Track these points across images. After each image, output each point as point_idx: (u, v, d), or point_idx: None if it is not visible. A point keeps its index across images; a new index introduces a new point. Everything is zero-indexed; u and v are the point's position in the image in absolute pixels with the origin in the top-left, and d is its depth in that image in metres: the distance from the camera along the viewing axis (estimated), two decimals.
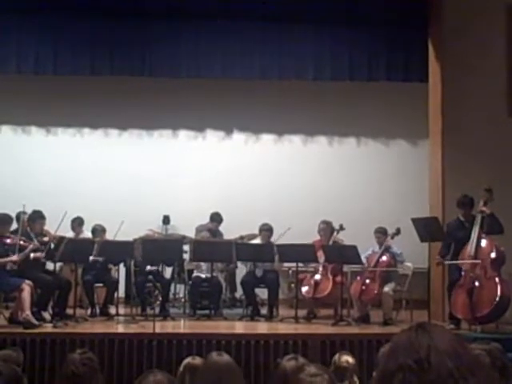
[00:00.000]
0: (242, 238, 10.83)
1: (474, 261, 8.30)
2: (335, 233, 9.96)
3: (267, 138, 12.46)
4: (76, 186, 11.72)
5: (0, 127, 12.19)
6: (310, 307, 9.70)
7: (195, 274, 10.18)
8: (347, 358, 4.94)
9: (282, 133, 12.44)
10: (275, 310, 9.77)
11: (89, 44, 10.55)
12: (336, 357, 5.03)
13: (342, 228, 9.91)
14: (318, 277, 9.70)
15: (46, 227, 9.35)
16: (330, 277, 9.64)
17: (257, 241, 10.24)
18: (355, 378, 4.84)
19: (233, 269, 10.71)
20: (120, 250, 9.48)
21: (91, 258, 9.38)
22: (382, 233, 9.58)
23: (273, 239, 9.96)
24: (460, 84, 9.77)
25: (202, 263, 10.09)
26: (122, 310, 9.81)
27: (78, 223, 10.59)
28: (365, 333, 8.34)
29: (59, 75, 10.85)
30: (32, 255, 8.64)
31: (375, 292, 9.24)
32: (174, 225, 11.42)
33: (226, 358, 3.99)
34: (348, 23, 10.56)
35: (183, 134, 12.43)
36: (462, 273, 8.45)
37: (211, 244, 10.12)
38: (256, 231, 10.32)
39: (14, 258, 8.49)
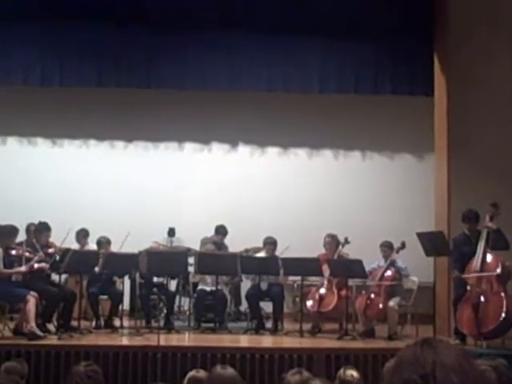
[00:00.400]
0: (246, 250, 10.81)
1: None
2: (340, 246, 9.91)
3: (272, 151, 12.47)
4: (81, 197, 11.73)
5: (6, 139, 12.22)
6: (314, 321, 9.65)
7: (200, 286, 10.17)
8: (352, 373, 4.93)
9: (288, 146, 12.45)
10: (280, 324, 9.75)
11: (95, 55, 10.57)
12: (341, 371, 5.01)
13: (347, 241, 9.87)
14: (322, 291, 9.67)
15: (51, 239, 9.36)
16: (335, 291, 9.61)
17: (262, 254, 10.22)
18: None
19: (238, 282, 10.68)
20: (125, 263, 9.48)
21: (96, 268, 9.39)
22: (387, 247, 9.55)
23: (277, 253, 9.94)
24: (466, 97, 9.77)
25: (207, 276, 10.08)
26: (126, 323, 9.80)
27: (82, 235, 10.59)
28: (370, 347, 8.31)
29: (65, 87, 10.88)
30: (36, 265, 8.65)
31: (380, 306, 9.21)
32: (179, 237, 11.40)
33: (230, 371, 3.99)
34: (353, 36, 10.55)
35: (189, 147, 12.44)
36: (468, 288, 8.42)
37: (216, 257, 10.10)
38: (261, 244, 10.31)
39: (23, 268, 8.51)
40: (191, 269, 10.18)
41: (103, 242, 10.00)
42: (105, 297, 9.85)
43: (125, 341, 8.84)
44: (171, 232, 11.32)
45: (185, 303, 10.82)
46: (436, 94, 10.18)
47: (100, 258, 9.42)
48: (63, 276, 9.51)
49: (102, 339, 8.63)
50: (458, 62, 9.84)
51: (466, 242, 8.74)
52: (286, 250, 9.69)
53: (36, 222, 9.43)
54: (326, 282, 9.67)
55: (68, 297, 8.98)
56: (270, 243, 10.05)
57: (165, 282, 10.04)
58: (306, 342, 8.70)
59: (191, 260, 10.10)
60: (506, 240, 8.34)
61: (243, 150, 12.48)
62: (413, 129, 11.58)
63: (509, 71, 9.83)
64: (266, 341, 9.09)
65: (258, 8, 10.46)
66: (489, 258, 8.33)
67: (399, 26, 10.53)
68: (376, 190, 12.17)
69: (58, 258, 8.97)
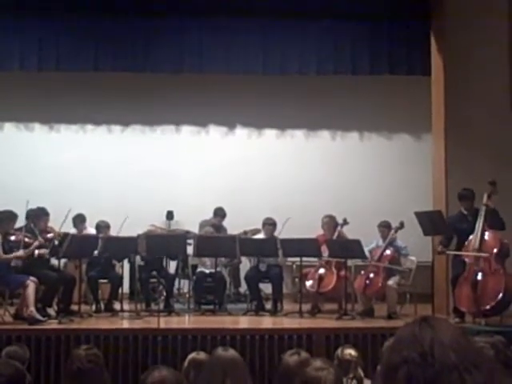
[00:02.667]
0: (245, 232, 10.83)
1: (478, 254, 8.26)
2: (339, 227, 9.94)
3: (270, 133, 12.45)
4: (79, 182, 11.72)
5: (3, 124, 12.19)
6: (314, 301, 9.68)
7: (199, 269, 10.20)
8: (350, 351, 4.96)
9: (285, 127, 12.43)
10: (279, 305, 9.77)
11: (91, 40, 10.54)
12: (339, 350, 5.05)
13: (345, 222, 9.90)
14: (322, 271, 9.69)
15: (50, 224, 9.36)
16: (334, 271, 9.64)
17: (260, 236, 10.24)
18: (359, 371, 4.86)
19: (237, 264, 10.71)
20: (124, 246, 9.50)
21: (96, 252, 9.42)
22: (385, 227, 9.58)
23: (279, 227, 9.96)
24: (463, 77, 9.75)
25: (206, 258, 10.10)
26: (126, 306, 9.81)
27: (79, 220, 10.55)
28: (369, 327, 8.34)
29: (62, 71, 10.85)
30: (37, 252, 8.66)
31: (379, 285, 9.24)
32: (177, 220, 11.42)
33: (231, 352, 4.00)
34: (350, 17, 10.53)
35: (186, 130, 12.41)
36: (466, 266, 8.44)
37: (215, 239, 10.13)
38: (260, 226, 10.33)
39: (20, 252, 8.51)
40: (190, 251, 10.19)
41: (102, 226, 10.02)
42: (104, 280, 9.87)
43: (125, 324, 8.88)
44: (169, 215, 11.34)
45: (184, 286, 10.84)
46: (433, 74, 10.16)
47: (99, 242, 9.44)
48: (62, 260, 9.50)
49: (102, 323, 8.67)
50: (456, 41, 9.81)
51: (461, 220, 8.77)
52: (287, 222, 9.67)
53: (34, 207, 9.42)
54: (325, 263, 9.70)
55: (67, 281, 8.99)
56: (270, 224, 10.07)
57: (164, 265, 10.06)
58: (306, 323, 8.72)
59: (190, 242, 10.10)
60: (502, 221, 8.37)
61: (240, 132, 12.46)
62: (410, 109, 11.57)
63: (505, 52, 9.81)
64: (266, 322, 9.12)
65: None
66: (487, 236, 8.34)
67: (396, 5, 10.49)
68: (374, 170, 12.17)
69: (57, 242, 8.98)
